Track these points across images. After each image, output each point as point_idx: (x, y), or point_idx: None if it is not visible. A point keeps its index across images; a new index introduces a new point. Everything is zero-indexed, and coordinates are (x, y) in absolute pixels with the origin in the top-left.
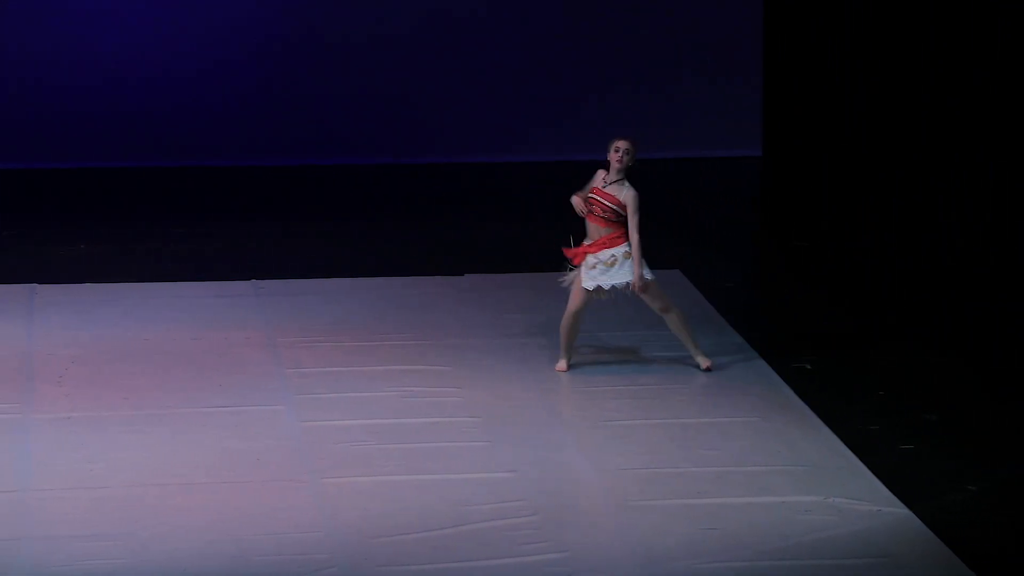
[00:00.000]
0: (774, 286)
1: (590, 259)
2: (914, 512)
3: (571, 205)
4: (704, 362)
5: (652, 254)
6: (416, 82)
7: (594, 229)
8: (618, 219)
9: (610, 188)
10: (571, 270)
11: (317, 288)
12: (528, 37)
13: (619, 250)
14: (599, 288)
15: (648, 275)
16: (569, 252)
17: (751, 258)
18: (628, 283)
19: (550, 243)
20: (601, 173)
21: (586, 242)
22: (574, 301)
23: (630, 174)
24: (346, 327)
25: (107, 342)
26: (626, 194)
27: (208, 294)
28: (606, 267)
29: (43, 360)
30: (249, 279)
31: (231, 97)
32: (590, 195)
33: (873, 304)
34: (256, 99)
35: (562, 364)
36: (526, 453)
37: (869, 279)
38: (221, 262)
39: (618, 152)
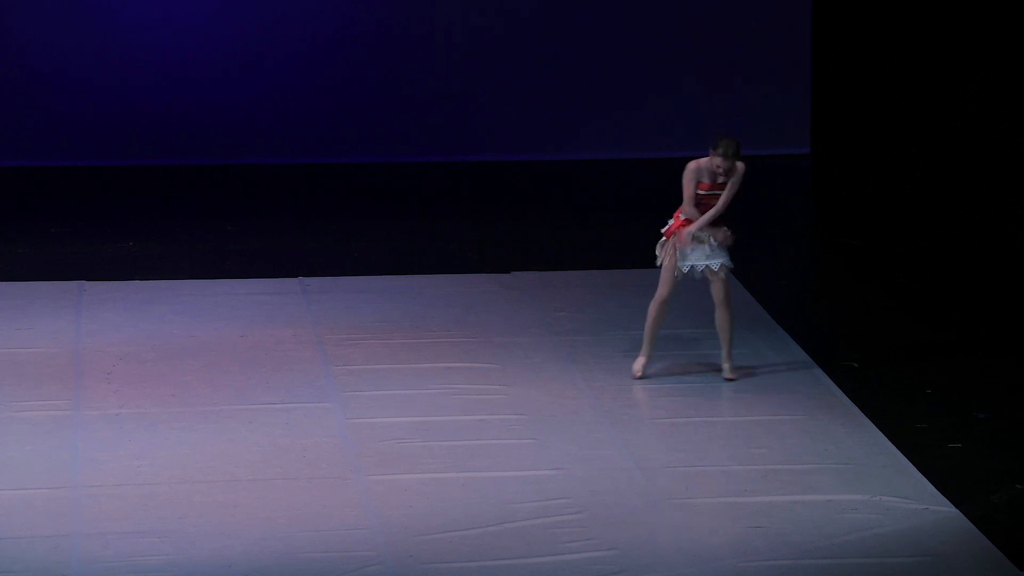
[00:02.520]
0: (822, 284)
1: (703, 234)
2: (961, 511)
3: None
4: (729, 373)
5: None
6: (463, 80)
7: (697, 214)
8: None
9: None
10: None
11: (364, 285)
12: (580, 36)
13: (710, 233)
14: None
15: (728, 262)
16: (669, 231)
17: (799, 256)
18: (719, 264)
19: (599, 241)
20: (703, 165)
21: (681, 216)
22: (663, 288)
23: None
24: (393, 324)
25: (155, 339)
26: (738, 168)
27: (256, 291)
28: (706, 249)
29: (92, 357)
30: (297, 276)
31: (279, 95)
32: (701, 193)
33: (922, 302)
34: (302, 96)
35: (640, 362)
36: (572, 451)
37: (918, 277)
38: (269, 259)
39: (720, 168)
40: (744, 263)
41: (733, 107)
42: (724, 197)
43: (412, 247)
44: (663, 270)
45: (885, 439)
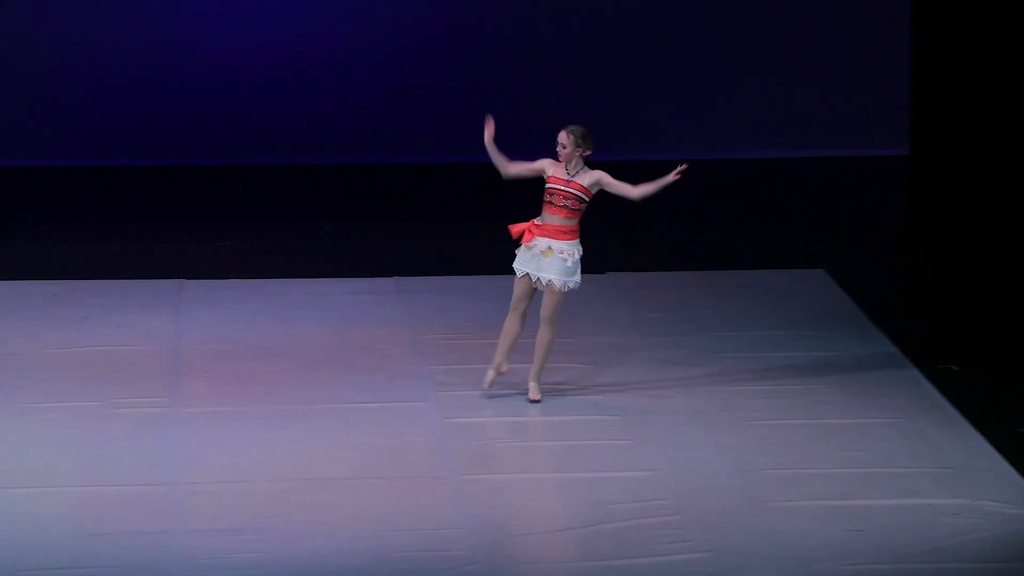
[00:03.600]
0: (920, 286)
1: (542, 243)
2: None
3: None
4: (535, 393)
5: (796, 253)
6: (561, 79)
7: (550, 217)
8: (579, 209)
9: (576, 178)
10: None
11: (460, 285)
12: (670, 34)
13: (561, 244)
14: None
15: (574, 283)
16: (517, 228)
17: (897, 258)
18: (551, 280)
19: (693, 241)
20: (552, 165)
21: (536, 220)
22: (518, 298)
23: (589, 163)
24: (488, 324)
25: (252, 338)
26: (590, 177)
27: (352, 291)
28: (541, 258)
29: (190, 355)
30: (392, 276)
31: (372, 94)
32: (548, 186)
33: (1021, 304)
34: (394, 97)
35: (493, 374)
36: (667, 452)
37: (1016, 278)
38: (365, 259)
39: (566, 148)
40: (840, 264)
41: (830, 107)
42: (634, 189)
43: (507, 247)
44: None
45: (985, 442)
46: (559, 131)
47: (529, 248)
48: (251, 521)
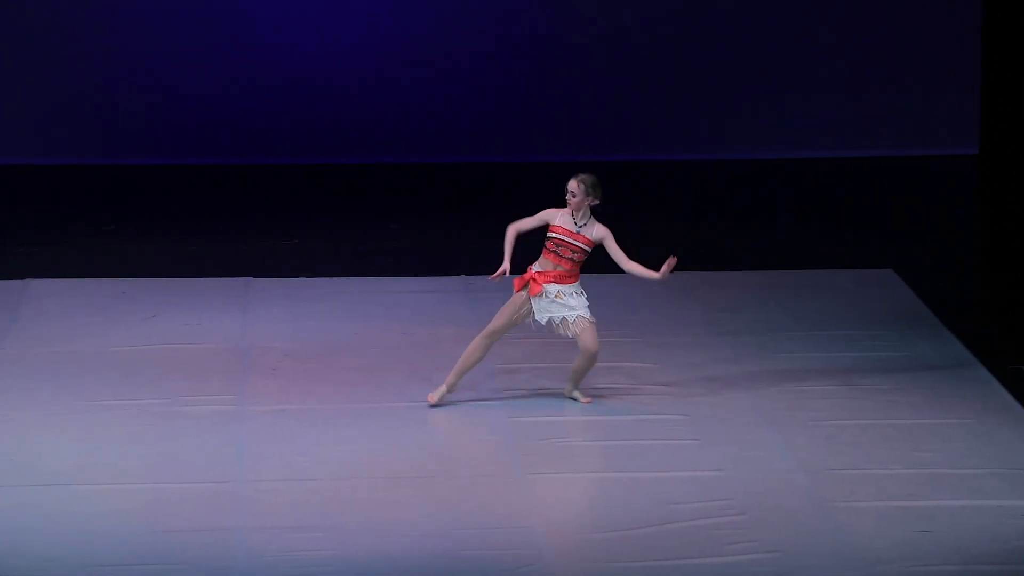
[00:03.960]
0: (990, 285)
1: (551, 288)
2: None
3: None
4: (583, 397)
5: (865, 252)
6: (632, 79)
7: (549, 264)
8: (581, 260)
9: (583, 230)
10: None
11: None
12: (741, 33)
13: (567, 288)
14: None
15: (591, 318)
16: (520, 281)
17: (966, 257)
18: (576, 318)
19: (762, 241)
20: (558, 213)
21: (534, 268)
22: (501, 319)
23: (596, 212)
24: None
25: (319, 336)
26: (597, 232)
27: (418, 289)
28: (555, 303)
29: (257, 353)
30: (459, 275)
31: (444, 95)
32: (553, 235)
33: None
34: (467, 98)
35: (439, 393)
36: (734, 452)
37: None
38: (432, 257)
39: (576, 196)
40: (909, 264)
41: (900, 107)
42: (630, 264)
43: None
44: (507, 305)
45: None
46: (569, 178)
47: (540, 297)
48: (317, 519)
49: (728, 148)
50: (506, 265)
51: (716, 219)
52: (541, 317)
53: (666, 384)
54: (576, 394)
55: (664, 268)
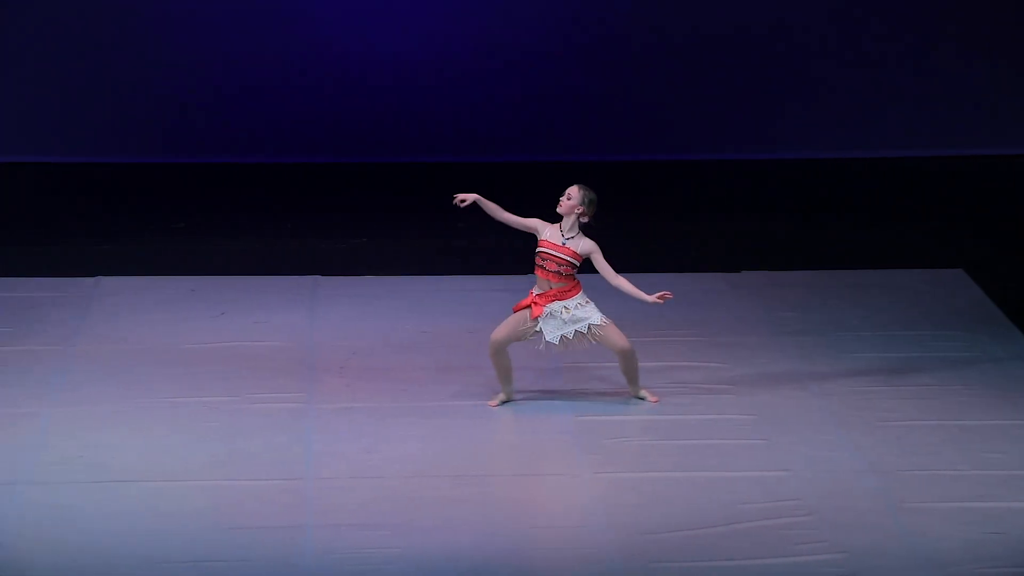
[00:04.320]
0: None
1: (555, 306)
2: None
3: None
4: (651, 396)
5: (935, 253)
6: (685, 79)
7: (544, 283)
8: (571, 274)
9: (569, 243)
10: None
11: (592, 282)
12: (822, 33)
13: (571, 302)
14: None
15: (604, 320)
16: (520, 307)
17: None
18: (588, 327)
19: (831, 239)
20: (547, 227)
21: (535, 290)
22: (503, 330)
23: (585, 227)
24: (621, 322)
25: (387, 334)
26: (584, 246)
27: (486, 287)
28: (563, 320)
29: (325, 351)
30: (526, 273)
31: (514, 95)
32: (541, 250)
33: None
34: (531, 96)
35: (498, 400)
36: (801, 452)
37: None
38: (499, 256)
39: (570, 199)
40: (980, 264)
41: (974, 105)
42: (616, 278)
43: (640, 244)
44: (510, 321)
45: None
46: (568, 187)
47: (546, 318)
48: (385, 516)
49: (794, 147)
50: (472, 196)
51: (782, 218)
52: (553, 337)
53: (733, 384)
54: (643, 393)
55: (656, 296)
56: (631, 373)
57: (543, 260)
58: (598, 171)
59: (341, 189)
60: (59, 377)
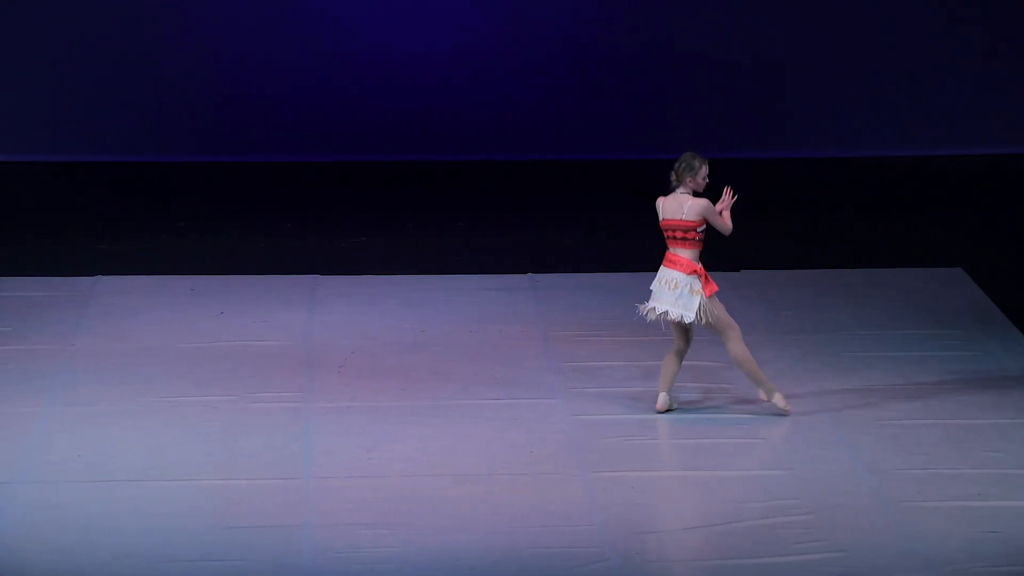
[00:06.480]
0: None
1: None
2: None
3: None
4: (781, 400)
5: (935, 252)
6: (691, 79)
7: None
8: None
9: (689, 212)
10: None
11: (592, 282)
12: (819, 32)
13: (689, 279)
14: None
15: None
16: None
17: None
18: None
19: (831, 239)
20: (668, 201)
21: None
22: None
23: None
24: (620, 321)
25: (386, 333)
26: (695, 206)
27: (485, 287)
28: (675, 293)
29: (324, 350)
30: (525, 272)
31: (516, 94)
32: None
33: None
34: (534, 96)
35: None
36: (800, 451)
37: None
38: (499, 255)
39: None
40: (980, 263)
41: (972, 105)
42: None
43: (639, 244)
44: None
45: None
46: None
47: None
48: (383, 516)
49: (796, 146)
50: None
51: (782, 217)
52: (662, 308)
53: (731, 383)
54: (776, 396)
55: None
56: (747, 365)
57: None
58: (597, 170)
59: (340, 188)
60: (58, 376)
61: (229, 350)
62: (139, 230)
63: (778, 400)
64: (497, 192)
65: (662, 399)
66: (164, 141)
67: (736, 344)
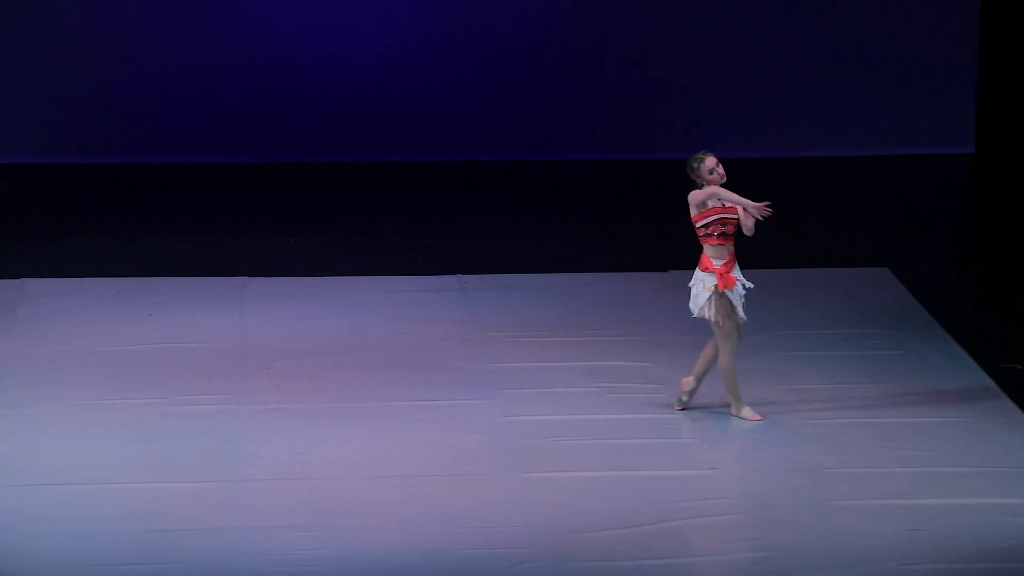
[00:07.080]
0: (985, 285)
1: (740, 274)
2: None
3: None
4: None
5: (861, 252)
6: (650, 78)
7: (725, 250)
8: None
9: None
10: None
11: (524, 283)
12: (734, 34)
13: (703, 276)
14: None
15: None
16: (723, 281)
17: (962, 257)
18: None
19: (755, 239)
20: (704, 195)
21: (716, 264)
22: (731, 325)
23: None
24: (551, 322)
25: (316, 335)
26: (690, 202)
27: (416, 288)
28: (694, 289)
29: (253, 352)
30: (454, 273)
31: (446, 93)
32: (724, 216)
33: None
34: (468, 96)
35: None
36: (729, 450)
37: None
38: (428, 256)
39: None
40: (905, 263)
41: (896, 105)
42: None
43: (569, 244)
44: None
45: None
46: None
47: (735, 290)
48: (315, 518)
49: (722, 147)
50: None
51: None
52: (743, 309)
53: (662, 383)
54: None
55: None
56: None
57: (725, 225)
58: (528, 169)
59: (268, 189)
60: None
61: (158, 353)
62: (65, 232)
63: (746, 414)
64: (424, 193)
65: (687, 381)
66: (88, 143)
67: (726, 357)
